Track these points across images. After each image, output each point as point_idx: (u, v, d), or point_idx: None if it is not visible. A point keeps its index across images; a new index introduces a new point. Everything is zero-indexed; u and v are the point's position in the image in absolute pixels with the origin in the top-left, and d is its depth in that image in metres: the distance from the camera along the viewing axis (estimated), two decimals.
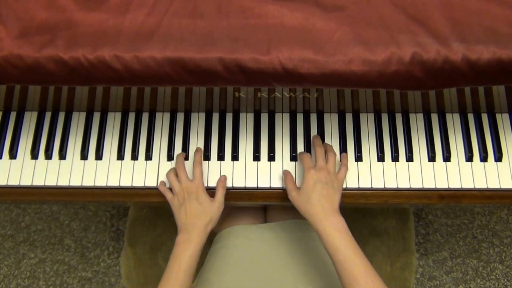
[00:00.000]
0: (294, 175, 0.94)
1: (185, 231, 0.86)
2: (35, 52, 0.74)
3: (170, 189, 0.92)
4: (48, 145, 0.96)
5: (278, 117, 0.98)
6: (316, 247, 0.99)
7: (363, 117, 0.98)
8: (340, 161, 0.93)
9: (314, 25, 0.76)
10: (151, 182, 0.94)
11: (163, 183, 0.94)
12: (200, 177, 0.90)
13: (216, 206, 0.90)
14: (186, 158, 0.96)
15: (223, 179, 0.93)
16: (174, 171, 0.92)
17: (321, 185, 0.84)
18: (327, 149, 0.91)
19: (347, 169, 0.92)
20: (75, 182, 0.94)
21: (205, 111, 0.99)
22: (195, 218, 0.87)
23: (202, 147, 0.96)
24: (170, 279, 0.83)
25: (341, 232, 0.80)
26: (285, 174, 0.91)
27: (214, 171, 0.95)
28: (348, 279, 0.77)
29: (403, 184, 0.94)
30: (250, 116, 0.99)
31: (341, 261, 0.78)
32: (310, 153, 0.95)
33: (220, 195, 0.91)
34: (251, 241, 0.99)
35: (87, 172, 0.95)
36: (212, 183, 0.94)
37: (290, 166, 0.95)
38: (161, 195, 0.94)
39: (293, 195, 0.87)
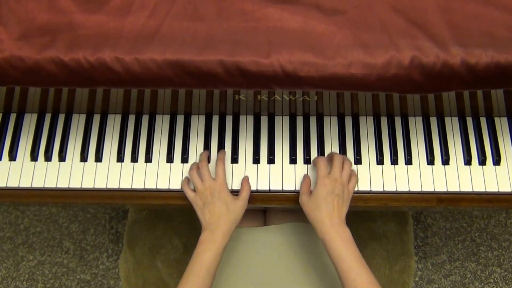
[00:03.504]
0: (293, 177, 0.94)
1: (209, 230, 0.85)
2: (35, 54, 0.74)
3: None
4: (48, 147, 0.96)
5: (278, 120, 0.99)
6: (315, 249, 0.99)
7: (362, 120, 0.98)
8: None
9: (314, 28, 0.76)
10: (151, 185, 0.94)
11: (186, 181, 0.93)
12: (223, 176, 0.90)
13: (240, 204, 0.89)
14: (186, 161, 0.96)
15: (247, 178, 0.93)
16: (196, 170, 0.91)
17: (332, 196, 0.84)
18: (343, 158, 0.91)
19: (357, 179, 0.91)
20: (75, 184, 0.94)
21: (205, 113, 0.99)
22: (219, 217, 0.86)
23: (202, 150, 0.96)
24: (191, 276, 0.82)
25: (347, 242, 0.81)
26: (304, 177, 0.92)
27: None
28: None
29: (402, 187, 0.94)
30: (250, 119, 0.99)
31: (345, 271, 0.79)
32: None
33: (245, 193, 0.90)
34: (250, 244, 0.99)
35: (86, 174, 0.95)
36: None
37: (290, 169, 0.95)
38: (160, 197, 0.94)
39: (303, 199, 0.87)
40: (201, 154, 0.94)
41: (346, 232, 0.83)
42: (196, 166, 0.92)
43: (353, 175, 0.90)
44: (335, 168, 0.88)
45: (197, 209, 0.89)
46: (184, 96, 0.94)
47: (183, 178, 0.94)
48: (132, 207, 1.26)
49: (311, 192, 0.88)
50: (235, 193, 0.95)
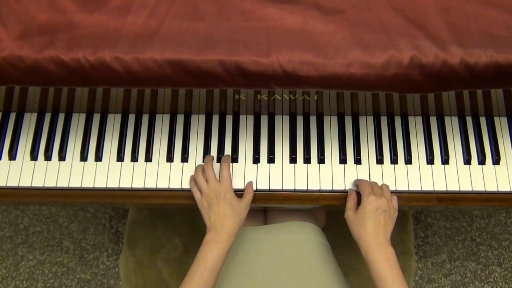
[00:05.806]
0: (293, 177, 0.94)
1: (214, 231, 0.85)
2: (35, 53, 0.75)
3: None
4: (48, 146, 0.96)
5: (278, 119, 0.99)
6: (315, 248, 0.99)
7: (362, 119, 0.98)
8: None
9: (314, 28, 0.76)
10: (151, 184, 0.94)
11: (194, 181, 0.92)
12: (228, 177, 0.90)
13: (244, 206, 0.89)
14: (186, 160, 0.96)
15: (250, 184, 0.94)
16: (201, 171, 0.91)
17: (379, 212, 0.84)
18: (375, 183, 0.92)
19: (396, 197, 0.91)
20: (75, 183, 0.94)
21: (205, 113, 0.99)
22: (224, 219, 0.86)
23: (202, 149, 0.96)
24: (194, 276, 0.82)
25: (391, 263, 0.81)
26: (350, 193, 0.92)
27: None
28: None
29: (402, 186, 0.94)
30: (250, 118, 0.99)
31: None
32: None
33: (249, 197, 0.91)
34: (251, 243, 0.99)
35: (86, 174, 0.95)
36: None
37: (290, 168, 0.95)
38: (160, 196, 0.94)
39: (349, 214, 0.87)
40: (206, 157, 0.94)
41: (390, 253, 0.82)
42: (201, 168, 0.92)
43: (393, 195, 0.90)
44: (376, 187, 0.89)
45: (203, 210, 0.89)
46: (184, 96, 0.95)
47: (190, 178, 0.94)
48: (132, 206, 1.26)
49: (356, 208, 0.88)
50: (234, 192, 0.95)
